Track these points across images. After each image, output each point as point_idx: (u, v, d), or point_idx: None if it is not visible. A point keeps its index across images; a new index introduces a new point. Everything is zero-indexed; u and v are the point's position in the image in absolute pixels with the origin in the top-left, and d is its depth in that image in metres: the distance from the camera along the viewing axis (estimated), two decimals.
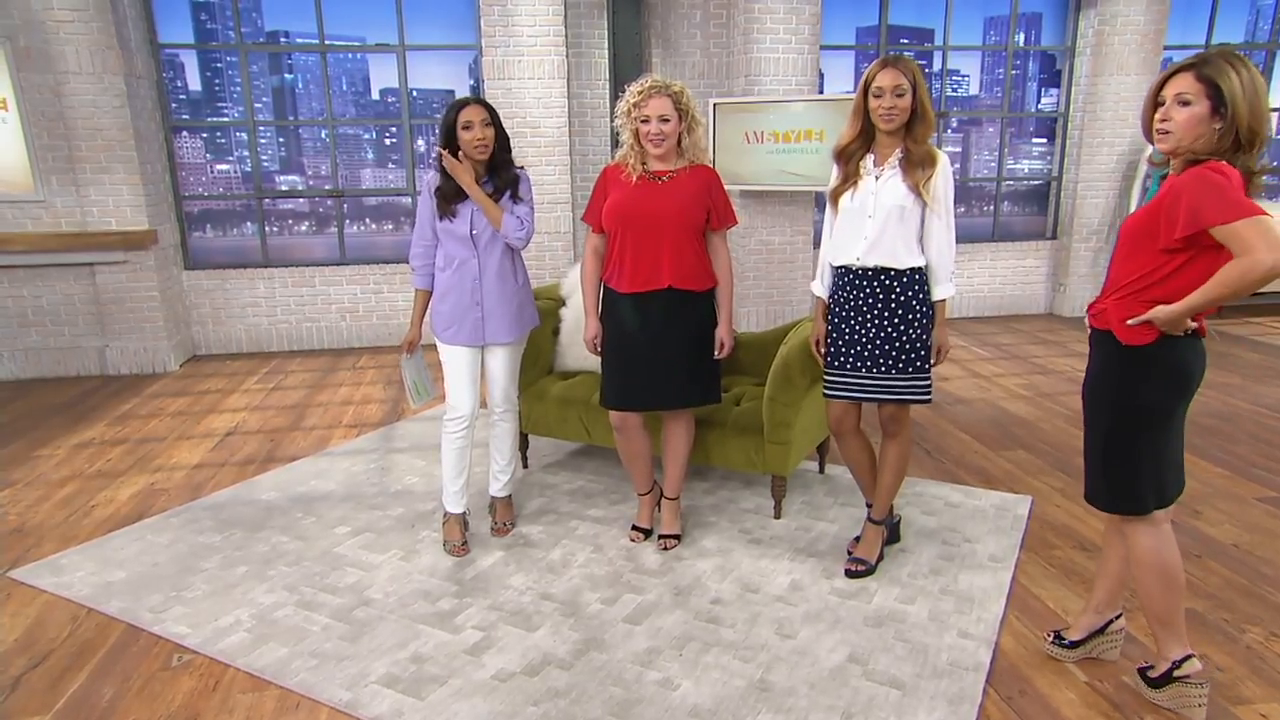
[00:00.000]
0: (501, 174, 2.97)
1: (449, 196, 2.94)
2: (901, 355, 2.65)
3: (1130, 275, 2.01)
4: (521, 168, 3.05)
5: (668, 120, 2.72)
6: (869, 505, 2.96)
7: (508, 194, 2.98)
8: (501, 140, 2.94)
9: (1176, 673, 2.15)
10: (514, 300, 3.06)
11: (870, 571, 2.88)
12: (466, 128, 2.84)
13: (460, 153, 2.89)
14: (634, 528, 3.21)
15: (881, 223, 2.58)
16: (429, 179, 3.00)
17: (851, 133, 2.63)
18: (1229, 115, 1.85)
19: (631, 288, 2.83)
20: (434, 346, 3.07)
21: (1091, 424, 2.15)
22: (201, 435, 4.57)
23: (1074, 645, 2.39)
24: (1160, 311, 1.93)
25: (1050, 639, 2.43)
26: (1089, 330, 2.17)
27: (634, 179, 2.80)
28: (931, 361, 2.68)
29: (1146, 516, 2.11)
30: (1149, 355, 1.99)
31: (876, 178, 2.60)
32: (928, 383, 2.69)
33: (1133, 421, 2.06)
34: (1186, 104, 1.88)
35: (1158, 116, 1.94)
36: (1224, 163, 1.87)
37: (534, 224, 3.05)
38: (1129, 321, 1.98)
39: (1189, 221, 1.85)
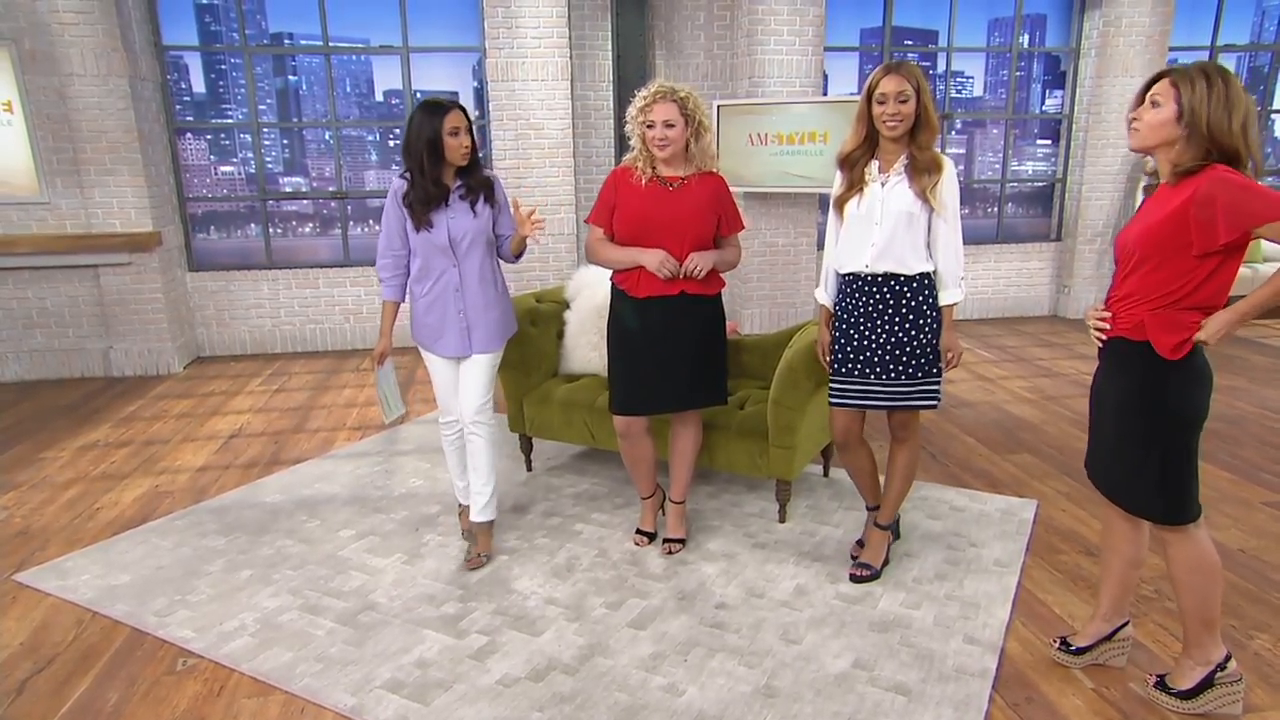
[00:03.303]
0: (474, 175, 2.89)
1: (427, 201, 2.80)
2: (911, 361, 2.64)
3: (1163, 286, 1.95)
4: (488, 170, 2.99)
5: (672, 126, 2.71)
6: (870, 509, 2.95)
7: (481, 198, 2.89)
8: (474, 143, 2.89)
9: (1219, 676, 2.14)
10: (497, 307, 2.98)
11: (875, 576, 2.87)
12: (454, 134, 2.77)
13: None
14: (638, 531, 3.21)
15: (890, 229, 2.57)
16: (395, 187, 2.87)
17: (855, 139, 2.63)
18: (1185, 122, 1.87)
19: (648, 292, 2.83)
20: (408, 353, 2.97)
21: (1142, 441, 2.05)
22: (206, 437, 4.58)
23: (1080, 652, 2.38)
24: (1213, 331, 1.90)
25: (1056, 645, 2.42)
26: (1104, 341, 2.10)
27: (643, 182, 2.81)
28: (941, 366, 2.68)
29: (1196, 520, 2.07)
30: (1189, 359, 1.97)
31: (882, 184, 2.59)
32: (937, 387, 2.68)
33: (1190, 428, 2.02)
34: (1156, 105, 1.93)
35: (1132, 114, 1.99)
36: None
37: None
38: (1179, 343, 1.94)
39: (1233, 223, 1.81)
